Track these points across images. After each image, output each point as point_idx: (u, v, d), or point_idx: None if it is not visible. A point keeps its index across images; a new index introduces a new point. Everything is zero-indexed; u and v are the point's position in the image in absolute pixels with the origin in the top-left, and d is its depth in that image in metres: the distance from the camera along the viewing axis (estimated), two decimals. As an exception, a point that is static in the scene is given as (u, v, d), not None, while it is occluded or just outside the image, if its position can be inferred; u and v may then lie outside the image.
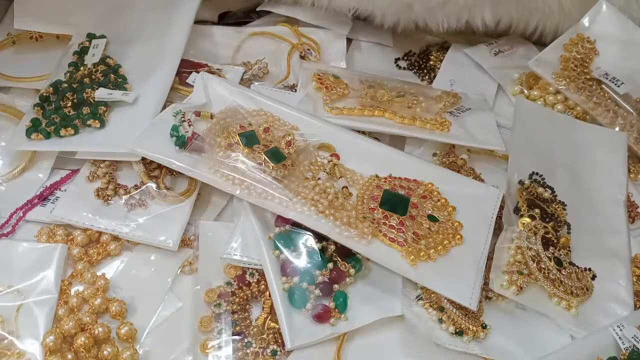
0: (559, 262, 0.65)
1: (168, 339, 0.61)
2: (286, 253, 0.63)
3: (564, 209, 0.71)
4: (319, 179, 0.67)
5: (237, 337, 0.60)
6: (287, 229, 0.65)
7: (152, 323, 0.62)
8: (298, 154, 0.69)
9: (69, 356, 0.57)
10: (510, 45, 0.94)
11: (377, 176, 0.69)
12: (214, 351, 0.59)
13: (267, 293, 0.62)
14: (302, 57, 0.87)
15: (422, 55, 0.95)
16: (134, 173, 0.71)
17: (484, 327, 0.62)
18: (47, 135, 0.71)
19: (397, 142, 0.77)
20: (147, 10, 0.85)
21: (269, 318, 0.62)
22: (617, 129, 0.81)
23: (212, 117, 0.71)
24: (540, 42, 0.93)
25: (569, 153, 0.77)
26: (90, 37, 0.83)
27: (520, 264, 0.65)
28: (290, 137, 0.69)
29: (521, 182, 0.71)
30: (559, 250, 0.66)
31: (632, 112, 0.82)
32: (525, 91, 0.87)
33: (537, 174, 0.73)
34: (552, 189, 0.72)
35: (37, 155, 0.74)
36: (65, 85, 0.76)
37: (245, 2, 0.95)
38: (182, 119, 0.69)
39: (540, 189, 0.71)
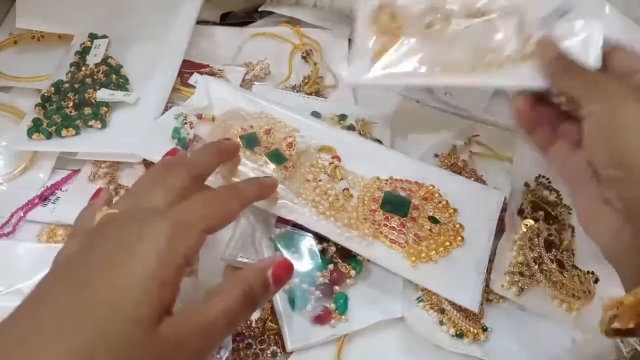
0: (561, 265, 0.65)
1: (168, 340, 0.61)
2: (286, 254, 0.63)
3: (569, 213, 0.71)
4: (320, 180, 0.67)
5: (237, 338, 0.60)
6: (287, 230, 0.65)
7: (152, 324, 0.61)
8: (299, 156, 0.69)
9: (69, 357, 0.57)
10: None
11: (378, 178, 0.69)
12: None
13: (268, 294, 0.62)
14: (304, 58, 0.87)
15: (424, 56, 0.94)
16: (135, 174, 0.71)
17: (485, 329, 0.62)
18: (49, 136, 0.71)
19: (398, 143, 0.77)
20: (149, 10, 0.85)
21: (269, 319, 0.62)
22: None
23: (213, 119, 0.71)
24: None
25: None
26: (92, 37, 0.82)
27: (522, 266, 0.64)
28: (291, 139, 0.69)
29: (527, 185, 0.71)
30: (561, 253, 0.66)
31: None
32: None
33: (543, 176, 0.72)
34: (557, 192, 0.72)
35: (38, 155, 0.73)
36: (67, 85, 0.76)
37: (247, 2, 0.95)
38: (184, 121, 0.69)
39: (546, 192, 0.71)
